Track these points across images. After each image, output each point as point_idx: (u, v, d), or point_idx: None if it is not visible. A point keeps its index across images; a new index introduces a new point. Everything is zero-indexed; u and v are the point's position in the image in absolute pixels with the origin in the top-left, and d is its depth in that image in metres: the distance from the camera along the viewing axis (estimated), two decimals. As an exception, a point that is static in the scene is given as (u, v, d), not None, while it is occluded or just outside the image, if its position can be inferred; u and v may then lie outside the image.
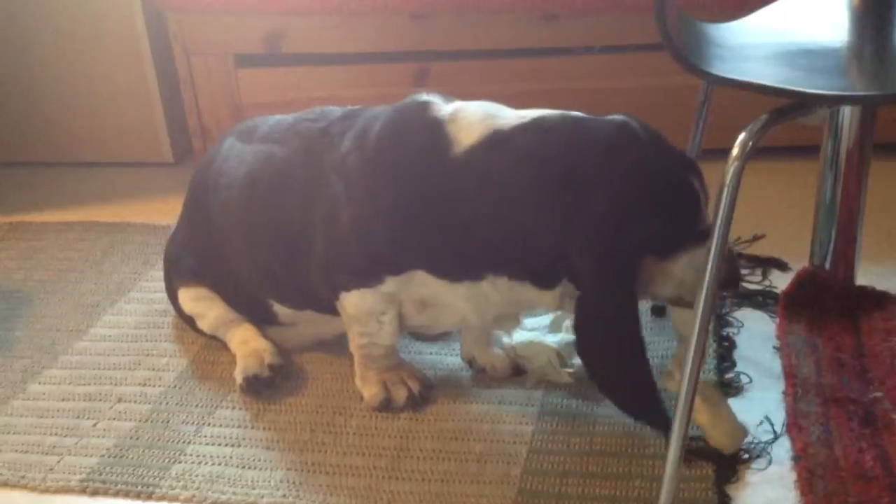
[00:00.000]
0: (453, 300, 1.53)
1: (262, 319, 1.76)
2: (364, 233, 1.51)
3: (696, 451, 1.45)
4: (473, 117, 1.48)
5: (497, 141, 1.45)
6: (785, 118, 1.24)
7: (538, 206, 1.41)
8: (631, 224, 1.37)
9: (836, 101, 1.40)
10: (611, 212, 1.37)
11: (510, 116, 1.48)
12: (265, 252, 1.66)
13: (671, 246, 1.40)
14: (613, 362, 1.41)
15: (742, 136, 1.21)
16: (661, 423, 1.39)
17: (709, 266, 1.24)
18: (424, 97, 1.55)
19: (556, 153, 1.41)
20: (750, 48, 1.40)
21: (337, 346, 1.75)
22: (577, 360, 1.59)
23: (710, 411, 1.44)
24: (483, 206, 1.44)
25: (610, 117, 1.44)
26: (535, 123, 1.45)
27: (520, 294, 1.48)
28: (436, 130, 1.48)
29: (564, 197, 1.39)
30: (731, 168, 1.21)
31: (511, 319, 1.60)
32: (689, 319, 1.44)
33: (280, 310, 1.72)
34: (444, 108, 1.51)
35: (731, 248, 1.46)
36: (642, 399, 1.40)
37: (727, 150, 1.22)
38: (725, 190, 1.21)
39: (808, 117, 1.28)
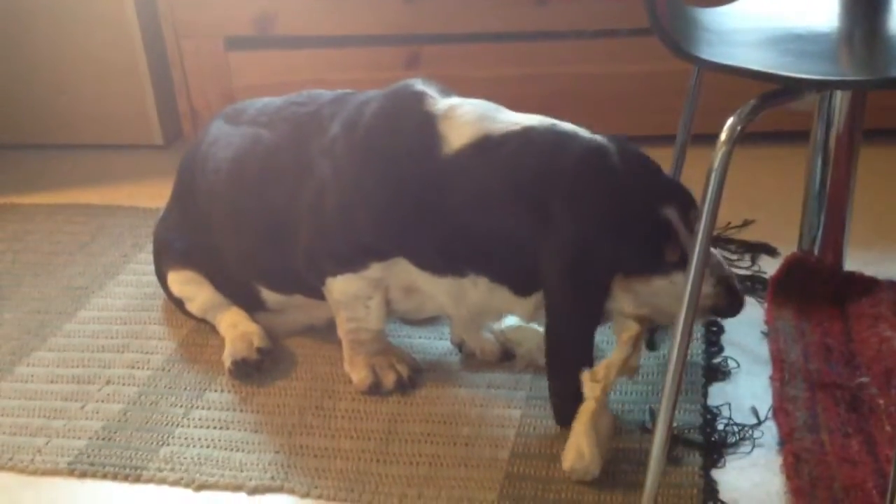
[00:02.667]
0: (435, 291, 1.53)
1: (250, 305, 1.76)
2: (349, 219, 1.51)
3: (682, 437, 1.45)
4: (467, 117, 1.48)
5: (486, 147, 1.45)
6: (774, 103, 1.24)
7: (515, 217, 1.42)
8: (595, 246, 1.38)
9: (824, 86, 1.40)
10: (576, 232, 1.38)
11: (504, 122, 1.48)
12: (252, 236, 1.66)
13: (638, 267, 1.41)
14: (562, 368, 1.44)
15: (730, 120, 1.21)
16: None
17: (694, 260, 1.23)
18: (420, 86, 1.54)
19: (534, 169, 1.42)
20: (740, 33, 1.40)
21: (326, 330, 1.75)
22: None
23: (585, 431, 1.39)
24: (466, 208, 1.44)
25: (592, 137, 1.44)
26: (523, 134, 1.45)
27: (498, 297, 1.49)
28: (428, 126, 1.48)
29: (537, 212, 1.40)
30: (719, 152, 1.21)
31: (491, 315, 1.60)
32: (623, 321, 1.45)
33: (268, 296, 1.72)
34: (440, 102, 1.51)
35: (732, 276, 1.46)
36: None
37: (718, 135, 1.22)
38: (713, 174, 1.21)
39: (797, 102, 1.28)
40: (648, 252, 1.40)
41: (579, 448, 1.38)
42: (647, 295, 1.42)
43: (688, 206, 1.42)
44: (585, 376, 1.40)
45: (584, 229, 1.38)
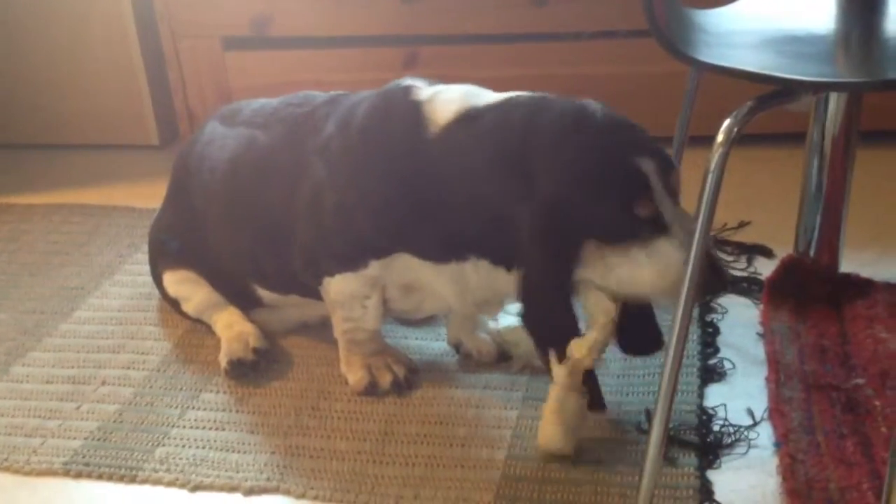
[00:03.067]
0: (436, 283, 1.53)
1: (246, 303, 1.76)
2: (347, 217, 1.51)
3: (677, 438, 1.45)
4: (450, 97, 1.48)
5: (468, 120, 1.45)
6: (770, 104, 1.24)
7: (497, 185, 1.40)
8: (568, 207, 1.34)
9: (820, 88, 1.40)
10: (551, 194, 1.35)
11: (487, 97, 1.48)
12: (248, 237, 1.66)
13: (614, 232, 1.35)
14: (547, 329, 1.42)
15: (727, 122, 1.21)
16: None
17: (693, 251, 1.23)
18: (408, 81, 1.54)
19: (512, 134, 1.40)
20: (737, 34, 1.40)
21: (322, 330, 1.75)
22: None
23: (552, 415, 1.42)
24: (456, 185, 1.44)
25: (572, 100, 1.42)
26: (504, 103, 1.45)
27: (497, 279, 1.48)
28: (414, 112, 1.48)
29: (521, 176, 1.38)
30: (716, 154, 1.21)
31: (494, 305, 1.60)
32: (601, 301, 1.40)
33: (264, 293, 1.72)
34: (425, 90, 1.51)
35: (714, 252, 1.39)
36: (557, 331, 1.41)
37: (715, 137, 1.22)
38: (710, 176, 1.21)
39: (794, 104, 1.28)
40: (619, 202, 1.34)
41: (549, 432, 1.41)
42: (623, 266, 1.36)
43: (668, 166, 1.37)
44: (553, 358, 1.41)
45: (557, 180, 1.35)
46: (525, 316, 1.42)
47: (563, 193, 1.35)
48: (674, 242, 1.34)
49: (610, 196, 1.35)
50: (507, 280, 1.46)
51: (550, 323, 1.40)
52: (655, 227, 1.35)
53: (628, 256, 1.36)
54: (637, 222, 1.35)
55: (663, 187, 1.36)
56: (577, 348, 1.39)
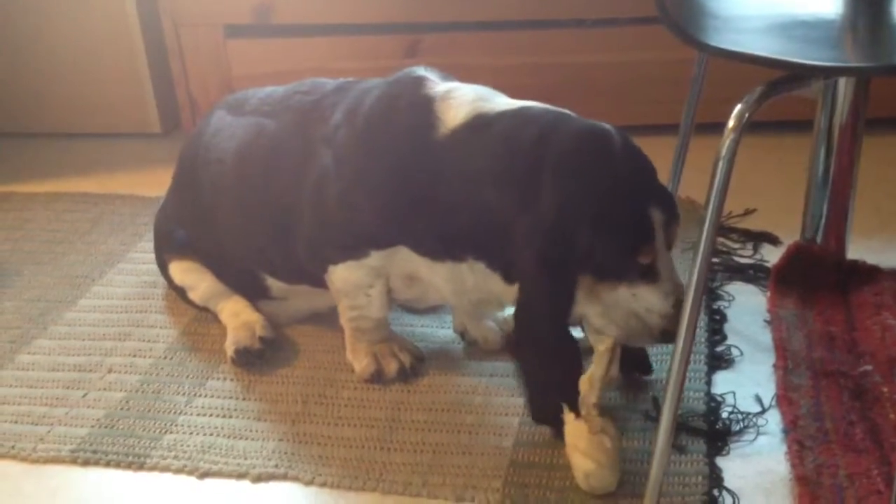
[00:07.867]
0: (433, 279, 1.52)
1: (254, 294, 1.75)
2: (350, 207, 1.50)
3: (686, 425, 1.45)
4: (463, 99, 1.46)
5: (479, 125, 1.43)
6: (781, 90, 1.23)
7: (503, 196, 1.39)
8: (572, 233, 1.34)
9: (831, 73, 1.40)
10: (557, 216, 1.34)
11: (499, 103, 1.46)
12: (258, 227, 1.65)
13: (609, 270, 1.35)
14: (538, 361, 1.41)
15: (738, 107, 1.20)
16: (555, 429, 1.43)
17: (701, 247, 1.22)
18: (421, 72, 1.53)
19: (526, 147, 1.39)
20: (746, 19, 1.40)
21: (328, 319, 1.75)
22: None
23: (583, 451, 1.35)
24: (461, 189, 1.42)
25: (595, 123, 1.40)
26: (518, 113, 1.43)
27: (492, 284, 1.46)
28: (425, 109, 1.47)
29: (527, 189, 1.37)
30: (727, 140, 1.20)
31: (493, 305, 1.57)
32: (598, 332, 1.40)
33: (273, 283, 1.72)
34: (438, 86, 1.50)
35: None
36: (550, 398, 1.41)
37: (720, 125, 1.21)
38: (721, 162, 1.21)
39: (803, 89, 1.28)
40: (623, 245, 1.34)
41: (584, 468, 1.34)
42: (610, 304, 1.37)
43: (672, 218, 1.37)
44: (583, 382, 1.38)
45: (566, 204, 1.34)
46: (518, 339, 1.42)
47: (571, 222, 1.34)
48: (659, 292, 1.36)
49: (618, 239, 1.34)
50: (502, 287, 1.45)
51: (544, 349, 1.39)
52: (646, 273, 1.36)
53: (615, 296, 1.37)
54: (633, 267, 1.35)
55: (664, 238, 1.36)
56: (582, 384, 1.37)
